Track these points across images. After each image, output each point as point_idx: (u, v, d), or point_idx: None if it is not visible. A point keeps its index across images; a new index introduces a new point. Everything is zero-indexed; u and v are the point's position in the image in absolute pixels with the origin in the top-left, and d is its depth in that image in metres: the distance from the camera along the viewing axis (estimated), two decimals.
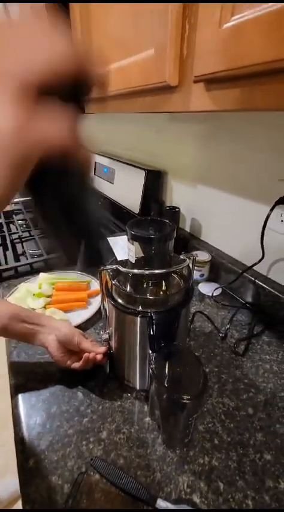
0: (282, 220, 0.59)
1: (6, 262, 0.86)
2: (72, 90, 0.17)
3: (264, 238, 0.62)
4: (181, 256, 0.47)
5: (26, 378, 0.52)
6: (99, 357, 0.49)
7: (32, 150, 0.17)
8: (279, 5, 0.22)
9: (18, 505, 0.99)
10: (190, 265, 0.47)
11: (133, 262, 0.44)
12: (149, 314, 0.42)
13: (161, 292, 0.47)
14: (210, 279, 0.80)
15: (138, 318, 0.43)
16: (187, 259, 0.46)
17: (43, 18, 0.19)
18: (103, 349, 0.50)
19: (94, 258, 0.31)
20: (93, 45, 0.57)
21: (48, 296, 0.71)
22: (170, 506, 0.35)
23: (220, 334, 0.62)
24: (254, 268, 0.67)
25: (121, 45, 0.48)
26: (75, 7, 0.59)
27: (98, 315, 0.67)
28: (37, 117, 0.16)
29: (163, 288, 0.48)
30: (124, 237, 0.45)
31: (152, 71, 0.40)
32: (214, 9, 0.28)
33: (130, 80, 0.46)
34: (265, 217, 0.59)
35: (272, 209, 0.58)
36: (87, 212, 0.25)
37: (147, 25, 0.40)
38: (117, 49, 0.49)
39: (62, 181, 0.21)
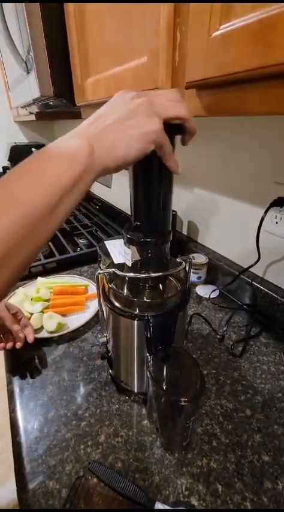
0: (277, 222, 0.60)
1: None
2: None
3: (260, 240, 0.62)
4: (178, 259, 0.47)
5: (23, 382, 0.52)
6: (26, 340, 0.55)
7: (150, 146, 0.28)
8: (264, 14, 0.22)
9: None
10: (187, 268, 0.47)
11: (130, 265, 0.44)
12: (146, 317, 0.42)
13: (158, 295, 0.48)
14: (207, 282, 0.81)
15: (135, 321, 0.43)
16: (184, 262, 0.46)
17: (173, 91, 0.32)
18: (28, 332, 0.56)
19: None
20: (88, 52, 0.58)
21: (46, 300, 0.71)
22: (168, 509, 0.35)
23: (218, 336, 0.62)
24: (251, 270, 0.68)
25: (115, 53, 0.49)
26: (70, 15, 0.60)
27: (96, 318, 0.67)
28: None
29: (160, 291, 0.48)
30: (121, 241, 0.45)
31: (145, 77, 0.41)
32: (203, 18, 0.29)
33: (124, 87, 0.47)
34: (260, 219, 0.60)
35: (266, 211, 0.59)
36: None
37: (140, 33, 0.40)
38: (111, 56, 0.50)
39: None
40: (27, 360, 0.57)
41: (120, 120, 0.27)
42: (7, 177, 0.23)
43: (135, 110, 0.27)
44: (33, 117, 1.33)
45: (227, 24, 0.26)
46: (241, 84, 0.28)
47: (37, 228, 0.23)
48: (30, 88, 0.74)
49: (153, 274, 0.42)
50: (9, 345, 0.56)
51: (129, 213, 1.05)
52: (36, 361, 0.57)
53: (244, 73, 0.25)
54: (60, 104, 0.76)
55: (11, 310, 0.57)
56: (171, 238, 0.42)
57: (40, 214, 0.23)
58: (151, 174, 0.35)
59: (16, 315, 0.57)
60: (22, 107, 1.09)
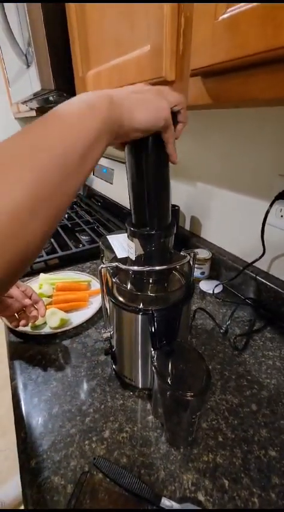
0: (282, 216, 0.59)
1: None
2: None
3: (264, 234, 0.61)
4: (182, 253, 0.46)
5: (27, 378, 0.52)
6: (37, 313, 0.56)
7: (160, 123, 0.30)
8: None
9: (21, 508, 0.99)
10: (191, 262, 0.47)
11: (133, 259, 0.44)
12: (150, 311, 0.41)
13: (162, 289, 0.47)
14: (211, 277, 0.80)
15: (139, 316, 0.43)
16: (188, 256, 0.45)
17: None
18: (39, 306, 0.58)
19: None
20: (89, 44, 0.57)
21: (49, 296, 0.71)
22: (175, 504, 0.34)
23: (221, 330, 0.62)
24: (255, 264, 0.67)
25: (117, 43, 0.48)
26: (71, 7, 0.59)
27: (99, 314, 0.67)
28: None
29: (164, 285, 0.47)
30: (124, 235, 0.45)
31: (149, 67, 0.40)
32: (209, 2, 0.28)
33: (127, 77, 0.46)
34: (265, 213, 0.59)
35: (271, 204, 0.58)
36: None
37: (142, 22, 0.39)
38: (112, 47, 0.49)
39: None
40: (30, 356, 0.57)
41: (138, 93, 0.30)
42: (33, 126, 0.23)
43: (149, 91, 0.31)
44: (33, 113, 1.33)
45: (235, 7, 0.25)
46: (248, 69, 0.27)
47: (69, 175, 0.23)
48: (31, 82, 0.73)
49: (157, 268, 0.42)
50: (23, 322, 0.56)
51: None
52: (39, 357, 0.56)
53: (252, 57, 0.25)
54: (61, 98, 0.75)
55: (20, 287, 0.57)
56: (175, 231, 0.41)
57: (72, 160, 0.23)
58: (147, 157, 0.35)
59: (25, 292, 0.58)
60: (22, 103, 1.08)
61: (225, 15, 0.27)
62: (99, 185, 1.33)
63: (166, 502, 0.35)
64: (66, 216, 1.27)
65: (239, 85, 0.29)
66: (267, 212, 0.59)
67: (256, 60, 0.25)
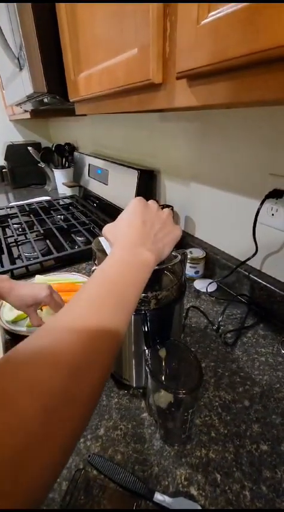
0: (273, 214, 0.60)
1: (2, 266, 0.86)
2: None
3: (256, 232, 0.62)
4: (173, 253, 0.47)
5: None
6: None
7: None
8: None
9: None
10: (182, 261, 0.47)
11: None
12: (143, 311, 0.42)
13: (154, 290, 0.48)
14: (205, 276, 0.81)
15: (132, 316, 0.43)
16: (179, 256, 0.46)
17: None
18: None
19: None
20: (80, 47, 0.58)
21: None
22: (167, 499, 0.35)
23: (214, 327, 0.63)
24: (248, 263, 0.68)
25: (107, 46, 0.48)
26: (61, 10, 0.59)
27: None
28: None
29: (156, 285, 0.48)
30: None
31: (137, 69, 0.41)
32: (192, 7, 0.29)
33: (117, 80, 0.46)
34: (256, 211, 0.60)
35: (262, 203, 0.59)
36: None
37: (131, 25, 0.40)
38: (103, 50, 0.50)
39: None
40: None
41: (161, 229, 0.37)
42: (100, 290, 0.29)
43: (166, 221, 0.38)
44: (28, 115, 1.33)
45: (216, 11, 0.26)
46: (231, 72, 0.28)
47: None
48: (23, 84, 0.73)
49: None
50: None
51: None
52: None
53: (234, 60, 0.25)
54: (54, 100, 0.75)
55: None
56: None
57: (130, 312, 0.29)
58: None
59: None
60: (17, 105, 1.08)
61: (206, 20, 0.27)
62: (94, 186, 1.34)
63: (159, 497, 0.35)
64: (62, 217, 1.27)
65: (224, 88, 0.30)
66: (258, 211, 0.60)
67: (238, 63, 0.26)
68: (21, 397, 0.18)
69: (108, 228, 0.37)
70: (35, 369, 0.20)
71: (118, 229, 0.36)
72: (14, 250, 0.99)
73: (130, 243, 0.34)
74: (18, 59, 0.71)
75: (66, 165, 1.61)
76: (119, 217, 0.38)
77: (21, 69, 0.72)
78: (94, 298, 0.27)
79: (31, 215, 1.25)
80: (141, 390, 0.50)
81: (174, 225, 0.39)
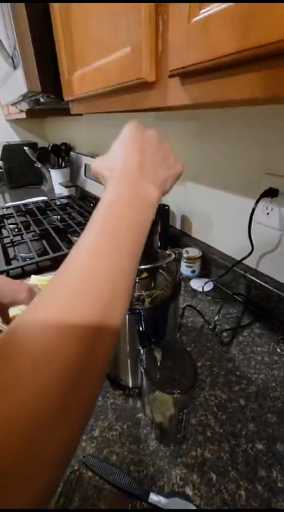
0: (268, 213, 0.60)
1: None
2: None
3: (252, 232, 0.62)
4: (167, 252, 0.47)
5: None
6: None
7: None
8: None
9: None
10: (177, 260, 0.47)
11: None
12: (137, 310, 0.42)
13: (148, 289, 0.48)
14: (201, 275, 0.81)
15: (127, 315, 0.43)
16: (173, 254, 0.46)
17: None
18: None
19: None
20: (74, 46, 0.57)
21: None
22: (162, 499, 0.35)
23: (210, 326, 0.63)
24: (244, 262, 0.68)
25: (100, 45, 0.48)
26: (55, 9, 0.59)
27: None
28: None
29: (151, 284, 0.48)
30: None
31: (130, 68, 0.40)
32: (183, 5, 0.28)
33: (110, 79, 0.46)
34: (251, 210, 0.60)
35: (257, 202, 0.59)
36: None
37: (124, 24, 0.40)
38: (96, 49, 0.50)
39: None
40: None
41: (164, 159, 0.32)
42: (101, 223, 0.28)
43: (169, 151, 0.34)
44: (23, 115, 1.32)
45: (207, 9, 0.26)
46: (223, 70, 0.28)
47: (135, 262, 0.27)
48: (18, 84, 0.73)
49: (142, 266, 0.42)
50: None
51: None
52: None
53: (225, 58, 0.25)
54: (49, 99, 0.75)
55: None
56: (159, 229, 0.42)
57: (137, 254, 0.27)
58: None
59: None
60: (12, 105, 1.07)
61: (198, 18, 0.27)
62: (92, 188, 1.34)
63: (154, 498, 0.35)
64: (58, 217, 1.27)
65: (216, 86, 0.30)
66: (253, 210, 0.59)
67: (229, 61, 0.26)
68: (37, 374, 0.17)
69: (99, 162, 0.31)
70: (48, 341, 0.18)
71: (113, 161, 0.30)
72: (10, 250, 0.99)
73: (130, 177, 0.28)
74: (12, 58, 0.71)
75: (63, 165, 1.61)
76: (112, 148, 0.31)
77: (15, 68, 0.71)
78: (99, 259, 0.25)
79: (27, 215, 1.25)
80: (136, 390, 0.50)
81: (177, 158, 0.34)
